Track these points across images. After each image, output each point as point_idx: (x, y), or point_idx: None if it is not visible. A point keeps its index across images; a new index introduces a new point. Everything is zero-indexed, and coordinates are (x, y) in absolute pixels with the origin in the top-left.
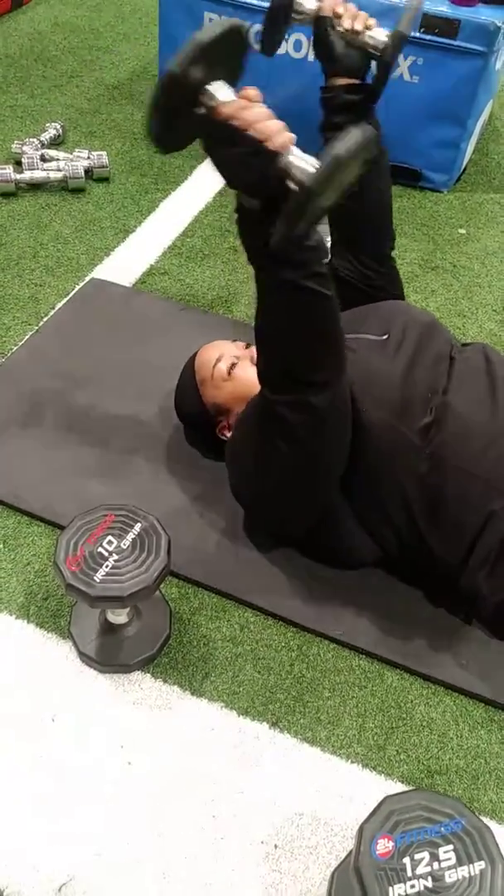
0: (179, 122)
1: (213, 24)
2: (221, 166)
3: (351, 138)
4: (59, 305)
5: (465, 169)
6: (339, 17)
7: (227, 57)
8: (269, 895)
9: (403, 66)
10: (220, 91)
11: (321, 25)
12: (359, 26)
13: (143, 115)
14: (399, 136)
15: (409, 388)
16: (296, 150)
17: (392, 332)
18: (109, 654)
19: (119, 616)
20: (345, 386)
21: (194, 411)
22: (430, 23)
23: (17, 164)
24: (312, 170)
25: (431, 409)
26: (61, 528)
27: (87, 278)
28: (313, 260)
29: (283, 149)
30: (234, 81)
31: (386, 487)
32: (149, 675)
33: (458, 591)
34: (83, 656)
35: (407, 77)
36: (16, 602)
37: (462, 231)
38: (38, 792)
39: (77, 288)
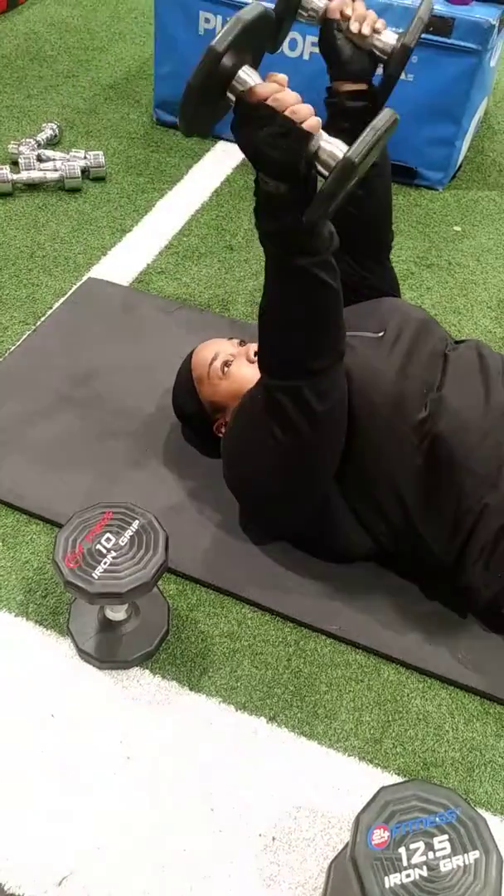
0: (209, 105)
1: (251, 6)
2: (254, 147)
3: (383, 116)
4: (57, 305)
5: (460, 166)
6: (346, 18)
7: (257, 42)
8: (267, 887)
9: None
10: (253, 74)
11: (328, 27)
12: (366, 30)
13: (140, 115)
14: (394, 134)
15: (404, 384)
16: (325, 135)
17: (388, 330)
18: (108, 651)
19: (117, 613)
20: (342, 376)
21: (191, 410)
22: None
23: (14, 164)
24: (341, 152)
25: (426, 405)
26: (59, 526)
27: (85, 278)
28: (327, 249)
29: (315, 131)
30: (256, 67)
31: (380, 481)
32: (147, 671)
33: (454, 585)
34: (82, 653)
35: (402, 75)
36: (15, 600)
37: (457, 228)
38: (38, 787)
39: (74, 287)
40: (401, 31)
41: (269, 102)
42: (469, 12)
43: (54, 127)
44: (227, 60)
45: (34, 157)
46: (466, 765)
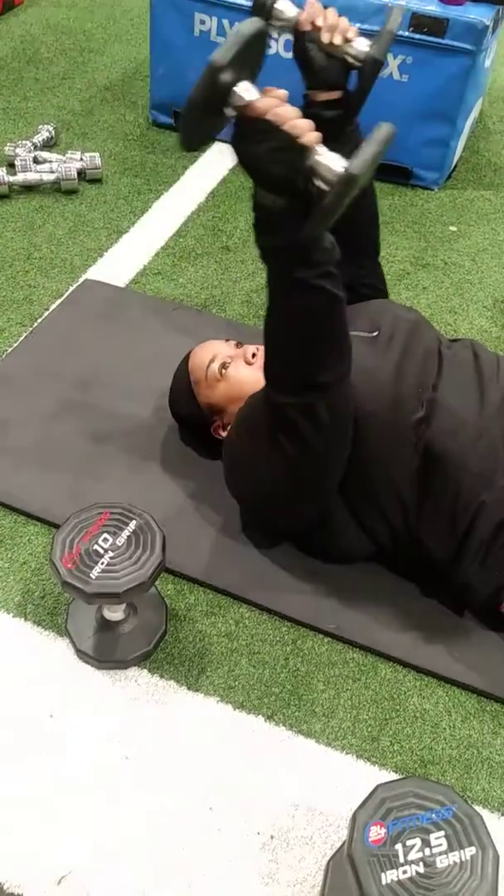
0: (207, 119)
1: (249, 20)
2: (252, 162)
3: (384, 130)
4: (54, 307)
5: (455, 167)
6: (318, 29)
7: (254, 57)
8: (265, 885)
9: (393, 65)
10: (252, 89)
11: (300, 38)
12: (338, 40)
13: (136, 116)
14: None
15: (400, 384)
16: (324, 148)
17: (382, 329)
18: (106, 651)
19: (115, 613)
20: (348, 387)
21: (189, 412)
22: (419, 22)
23: (10, 166)
24: (341, 166)
25: (423, 404)
26: (57, 527)
27: (81, 279)
28: (328, 260)
29: (314, 145)
30: (254, 81)
31: (380, 482)
32: (145, 670)
33: (450, 583)
34: (80, 653)
35: (396, 76)
36: (13, 601)
37: (453, 228)
38: (37, 787)
39: (71, 289)
40: (370, 42)
41: (268, 117)
42: (463, 13)
43: (50, 129)
44: (226, 75)
45: (30, 159)
46: (464, 762)
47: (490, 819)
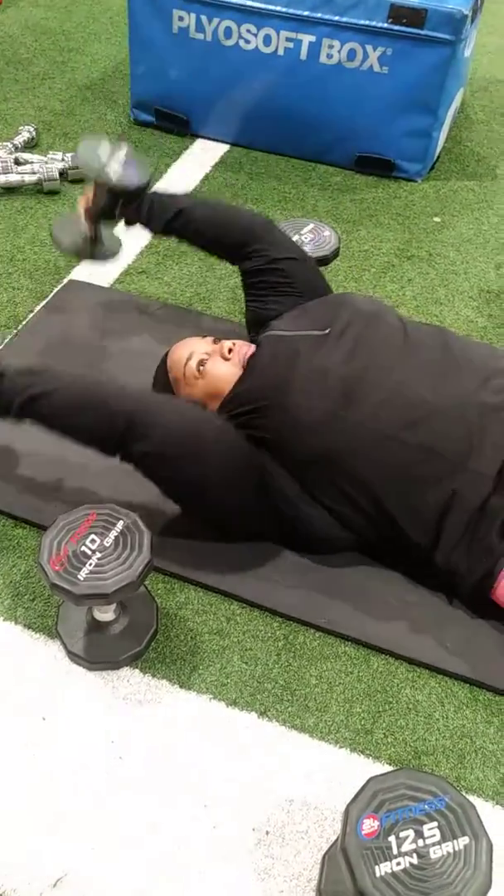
0: None
1: None
2: None
3: None
4: (38, 308)
5: (438, 157)
6: (88, 202)
7: None
8: (262, 880)
9: (373, 56)
10: None
11: (97, 214)
12: (89, 194)
13: (117, 115)
14: (371, 126)
15: (352, 376)
16: None
17: (334, 325)
18: (97, 652)
19: (105, 613)
20: (157, 418)
21: None
22: (398, 13)
23: None
24: None
25: (383, 392)
26: (45, 528)
27: (65, 280)
28: (11, 387)
29: None
30: None
31: (345, 474)
32: (137, 670)
33: (438, 571)
34: (71, 655)
35: (376, 68)
36: (2, 604)
37: (437, 219)
38: (31, 790)
39: (55, 290)
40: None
41: None
42: (442, 3)
43: (31, 130)
44: None
45: (11, 161)
46: (457, 752)
47: (484, 808)
